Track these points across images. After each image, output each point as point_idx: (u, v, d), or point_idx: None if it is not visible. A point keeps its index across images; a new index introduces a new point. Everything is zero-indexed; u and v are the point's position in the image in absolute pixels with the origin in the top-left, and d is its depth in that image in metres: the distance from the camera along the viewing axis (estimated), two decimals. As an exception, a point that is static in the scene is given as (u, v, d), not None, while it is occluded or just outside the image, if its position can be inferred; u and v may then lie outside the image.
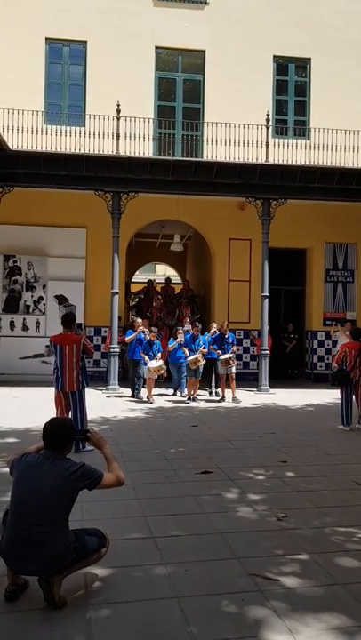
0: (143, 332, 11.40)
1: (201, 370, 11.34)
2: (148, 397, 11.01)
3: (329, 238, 15.15)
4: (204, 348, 11.39)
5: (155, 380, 11.31)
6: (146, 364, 11.05)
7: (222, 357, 11.29)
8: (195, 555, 3.88)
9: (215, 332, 11.95)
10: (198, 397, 11.53)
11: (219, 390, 11.89)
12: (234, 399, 11.27)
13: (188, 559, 3.79)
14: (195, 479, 5.71)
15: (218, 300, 14.85)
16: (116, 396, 11.67)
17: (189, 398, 11.16)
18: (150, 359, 11.02)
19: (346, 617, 3.10)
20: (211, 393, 12.18)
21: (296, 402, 11.38)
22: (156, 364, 10.92)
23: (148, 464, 6.25)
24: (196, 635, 2.90)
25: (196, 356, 11.10)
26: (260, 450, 7.10)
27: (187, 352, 11.29)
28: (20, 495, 3.19)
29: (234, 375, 11.45)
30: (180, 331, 11.80)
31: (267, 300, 13.03)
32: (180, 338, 11.56)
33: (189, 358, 11.10)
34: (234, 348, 11.76)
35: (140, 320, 11.73)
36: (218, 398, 11.52)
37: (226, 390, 11.60)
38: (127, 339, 11.54)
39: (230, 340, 11.65)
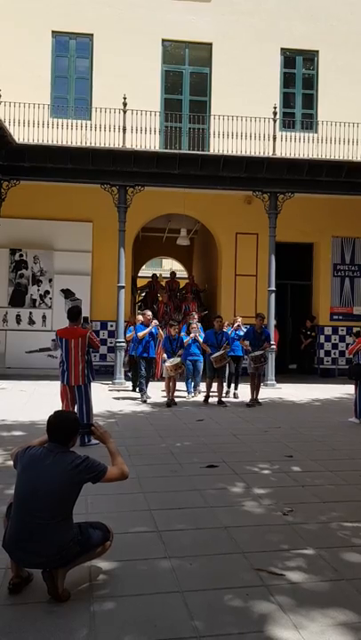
0: (157, 326, 10.50)
1: (225, 368, 10.53)
2: (169, 401, 9.89)
3: (336, 232, 15.05)
4: (227, 345, 10.27)
5: (175, 378, 10.02)
6: (164, 362, 10.18)
7: (253, 354, 10.11)
8: (199, 549, 3.86)
9: (239, 325, 11.03)
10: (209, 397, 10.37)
11: (237, 392, 10.98)
12: (256, 401, 10.13)
13: (193, 553, 3.77)
14: (200, 473, 5.69)
15: (224, 295, 14.79)
16: (121, 391, 11.64)
17: (207, 399, 10.10)
18: (169, 357, 10.05)
19: (352, 612, 3.07)
20: (228, 393, 11.05)
21: (303, 396, 11.33)
22: (173, 361, 9.86)
23: (154, 458, 6.23)
24: (199, 629, 2.88)
25: (221, 352, 9.99)
26: (266, 444, 7.07)
27: (208, 349, 10.18)
28: (24, 488, 3.17)
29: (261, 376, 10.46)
30: (194, 325, 10.89)
31: (273, 294, 12.97)
32: (195, 333, 10.63)
33: (214, 355, 9.92)
34: (267, 344, 10.65)
35: (149, 313, 10.74)
36: (247, 401, 10.19)
37: (238, 389, 10.91)
38: (140, 334, 10.28)
39: (264, 336, 10.49)
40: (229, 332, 10.79)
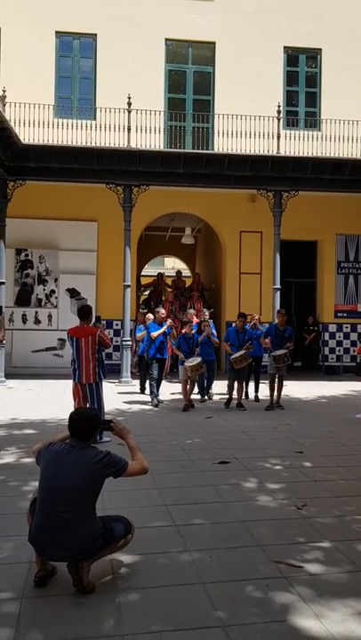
0: (171, 327, 10.10)
1: (246, 370, 9.72)
2: (186, 405, 9.31)
3: (340, 230, 15.09)
4: (250, 344, 9.60)
5: (194, 381, 9.57)
6: (182, 363, 9.48)
7: (275, 353, 9.43)
8: (217, 542, 3.93)
9: (255, 324, 10.47)
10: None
11: (258, 394, 10.45)
12: (278, 405, 9.63)
13: (212, 546, 3.84)
14: (212, 469, 5.76)
15: (229, 293, 14.84)
16: (129, 389, 11.70)
17: (229, 402, 9.53)
18: (187, 357, 9.42)
19: (371, 602, 3.14)
20: (255, 397, 10.43)
21: (309, 394, 11.39)
22: (193, 361, 9.25)
23: (166, 455, 6.29)
24: (223, 619, 2.94)
25: (242, 352, 9.36)
26: (276, 441, 7.14)
27: (228, 348, 9.63)
28: (49, 483, 3.24)
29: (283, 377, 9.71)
30: (207, 323, 10.35)
31: (278, 292, 13.02)
32: (207, 332, 10.06)
33: (234, 356, 9.35)
34: (290, 344, 9.72)
35: (163, 311, 10.17)
36: (267, 404, 9.68)
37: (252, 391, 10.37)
38: (153, 334, 9.70)
39: (287, 335, 9.70)
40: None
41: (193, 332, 9.94)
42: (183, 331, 9.92)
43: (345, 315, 15.10)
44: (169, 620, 2.92)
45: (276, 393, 9.67)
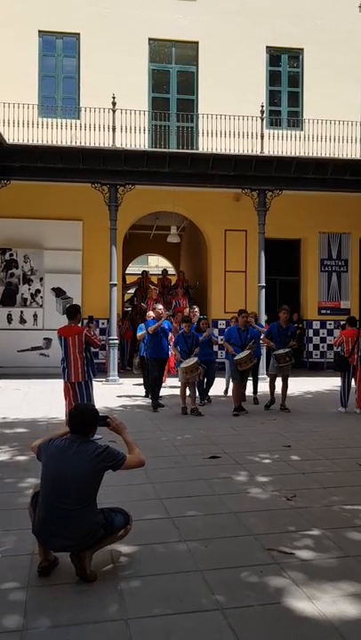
0: (170, 320, 9.77)
1: (249, 372, 9.28)
2: (184, 407, 8.81)
3: (323, 228, 15.35)
4: (253, 343, 9.09)
5: (194, 383, 8.95)
6: (179, 364, 9.01)
7: (277, 352, 9.06)
8: (212, 532, 4.07)
9: (250, 322, 9.87)
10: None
11: (257, 396, 10.03)
12: (284, 407, 9.10)
13: (207, 536, 3.98)
14: (203, 464, 5.90)
15: (214, 291, 15.02)
16: (115, 388, 11.80)
17: (238, 409, 8.80)
18: (184, 357, 8.91)
19: (360, 584, 3.30)
20: (254, 399, 9.94)
21: (294, 389, 11.53)
22: (189, 362, 8.74)
23: (157, 451, 6.41)
24: (221, 602, 3.09)
25: (248, 353, 8.85)
26: (264, 435, 7.31)
27: (231, 349, 9.00)
28: (51, 477, 3.35)
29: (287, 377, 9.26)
30: (205, 321, 10.00)
31: (263, 290, 13.21)
32: (209, 331, 9.58)
33: (239, 357, 8.81)
34: (294, 342, 9.40)
35: (161, 307, 9.70)
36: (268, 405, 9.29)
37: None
38: (150, 328, 9.21)
39: (290, 333, 9.37)
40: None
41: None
42: (183, 329, 9.30)
43: (328, 312, 15.37)
44: (169, 604, 3.06)
45: (280, 394, 9.24)
